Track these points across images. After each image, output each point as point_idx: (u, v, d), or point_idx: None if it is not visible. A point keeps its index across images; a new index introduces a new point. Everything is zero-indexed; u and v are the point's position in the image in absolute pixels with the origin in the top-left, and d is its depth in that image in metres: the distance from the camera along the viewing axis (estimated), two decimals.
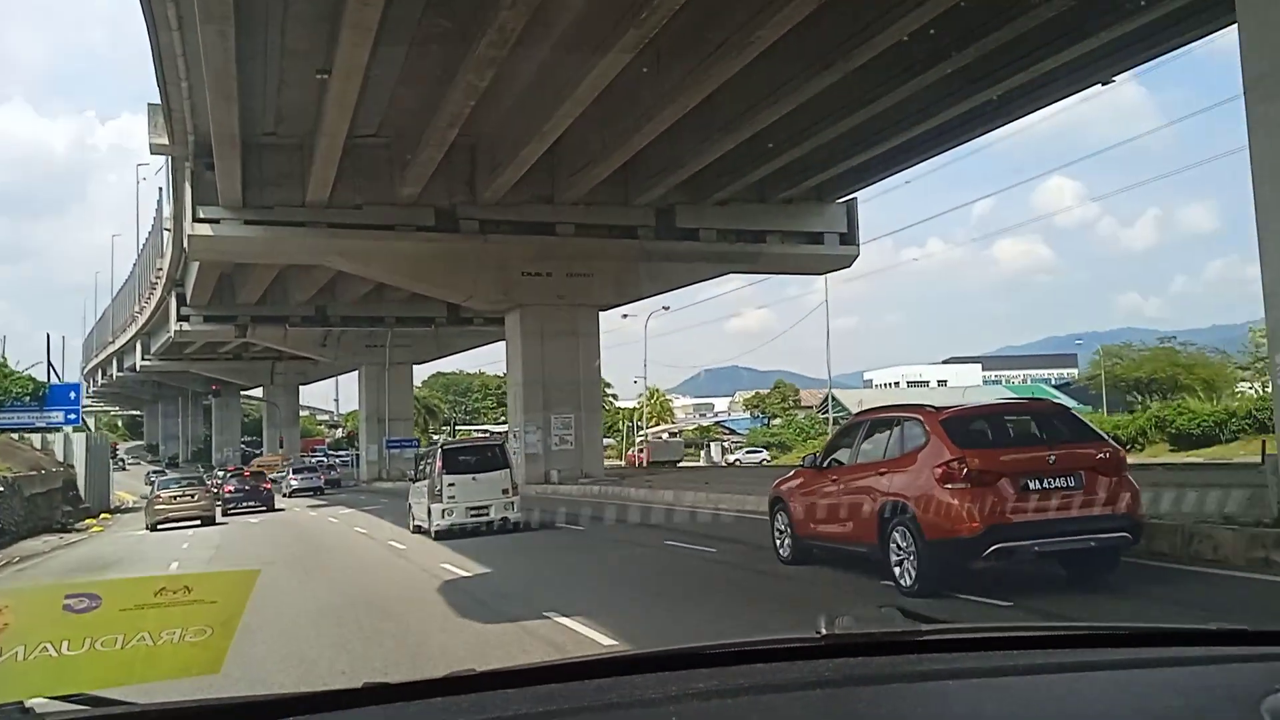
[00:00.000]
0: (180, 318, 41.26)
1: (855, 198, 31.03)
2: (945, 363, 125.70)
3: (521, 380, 28.16)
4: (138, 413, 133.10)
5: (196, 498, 26.19)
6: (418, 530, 18.38)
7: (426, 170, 24.74)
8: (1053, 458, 8.56)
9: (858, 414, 11.27)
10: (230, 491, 34.54)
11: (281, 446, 62.25)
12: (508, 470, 17.65)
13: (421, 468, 19.31)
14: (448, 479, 16.93)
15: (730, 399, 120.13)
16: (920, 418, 9.20)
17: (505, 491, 17.23)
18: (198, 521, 25.27)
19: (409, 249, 26.67)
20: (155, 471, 50.68)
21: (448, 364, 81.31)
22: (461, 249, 26.84)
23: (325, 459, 59.54)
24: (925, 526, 8.51)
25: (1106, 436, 9.72)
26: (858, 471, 9.82)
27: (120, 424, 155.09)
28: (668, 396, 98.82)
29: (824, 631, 1.42)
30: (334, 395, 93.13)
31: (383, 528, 20.60)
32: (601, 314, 31.44)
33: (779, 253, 30.53)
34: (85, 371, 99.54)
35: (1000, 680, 1.34)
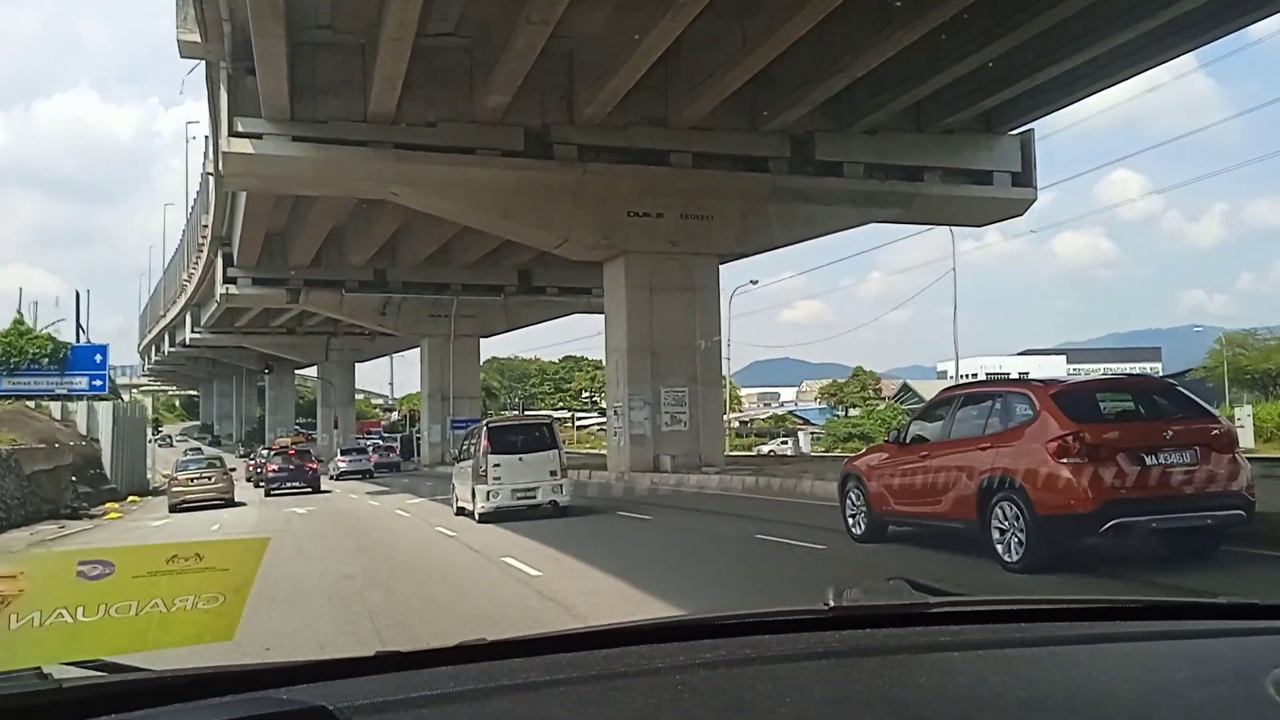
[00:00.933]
0: (227, 280, 36.59)
1: (1032, 129, 25.65)
2: (1022, 354, 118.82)
3: (626, 346, 22.82)
4: (194, 392, 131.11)
5: (213, 480, 25.19)
6: (460, 513, 17.30)
7: (514, 81, 19.54)
8: (1169, 433, 8.31)
9: (944, 391, 10.98)
10: (274, 471, 30.54)
11: (337, 427, 57.75)
12: (556, 450, 16.50)
13: (466, 447, 17.98)
14: (493, 459, 15.83)
15: (796, 388, 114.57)
16: (1028, 392, 9.03)
17: (554, 473, 16.15)
18: (221, 503, 24.52)
19: (491, 178, 21.55)
20: (192, 449, 46.41)
21: (511, 342, 76.62)
22: (556, 180, 21.95)
23: (381, 439, 55.06)
24: (1036, 501, 8.32)
25: (1216, 413, 9.54)
26: (952, 447, 9.51)
27: (177, 404, 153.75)
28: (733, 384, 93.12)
29: (831, 604, 1.41)
30: (388, 379, 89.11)
31: (439, 514, 18.33)
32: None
33: (940, 194, 25.00)
34: (140, 348, 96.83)
35: (1006, 652, 1.31)
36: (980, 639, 1.36)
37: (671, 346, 22.87)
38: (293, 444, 38.24)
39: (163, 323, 71.75)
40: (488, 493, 15.73)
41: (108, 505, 24.05)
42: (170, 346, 73.91)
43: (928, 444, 9.93)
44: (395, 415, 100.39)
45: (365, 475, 41.04)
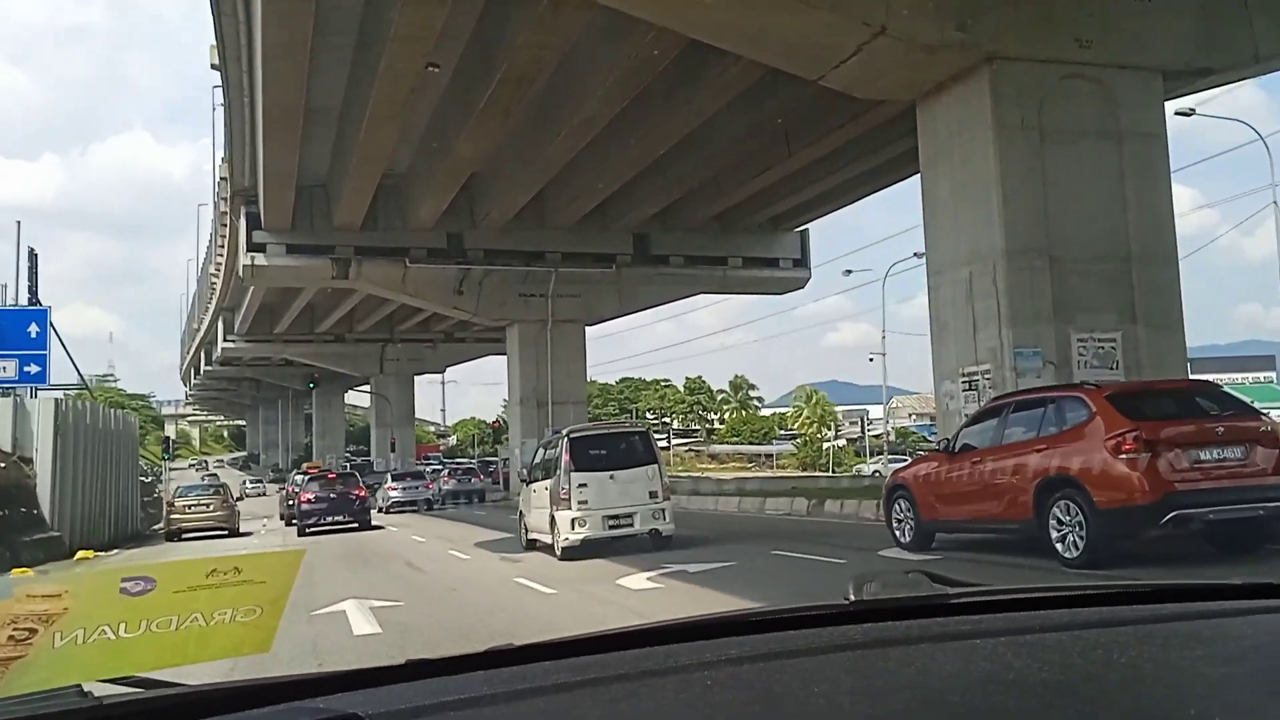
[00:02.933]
0: (253, 247, 26.49)
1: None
2: None
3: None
4: (242, 422, 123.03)
5: (213, 507, 23.36)
6: (532, 546, 14.14)
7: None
8: (1220, 429, 8.77)
9: (993, 400, 11.03)
10: (309, 501, 21.39)
11: (394, 450, 47.56)
12: (655, 465, 13.08)
13: (539, 464, 14.25)
14: (578, 478, 12.64)
15: (885, 405, 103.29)
16: (1083, 395, 9.34)
17: (654, 495, 12.82)
18: (223, 531, 22.75)
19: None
20: (209, 475, 37.13)
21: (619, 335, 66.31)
22: None
23: (441, 463, 44.80)
24: (1097, 497, 8.61)
25: (1261, 412, 10.05)
26: (1005, 451, 9.75)
27: (225, 434, 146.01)
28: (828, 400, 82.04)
29: (852, 598, 1.43)
30: (440, 405, 79.10)
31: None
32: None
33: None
34: (182, 373, 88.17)
35: (1027, 638, 1.31)
36: (1001, 626, 1.36)
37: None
38: (323, 468, 28.19)
39: (199, 336, 62.44)
40: (572, 521, 12.55)
41: (17, 573, 13.49)
42: (207, 365, 64.52)
43: (979, 450, 10.13)
44: (453, 440, 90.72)
45: (423, 507, 30.93)
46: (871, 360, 40.33)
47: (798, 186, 27.09)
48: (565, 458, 12.81)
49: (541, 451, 14.72)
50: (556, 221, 28.51)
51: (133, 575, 1.07)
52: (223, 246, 35.20)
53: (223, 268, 37.68)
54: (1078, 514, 8.75)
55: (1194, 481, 8.52)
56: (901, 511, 11.11)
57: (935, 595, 1.47)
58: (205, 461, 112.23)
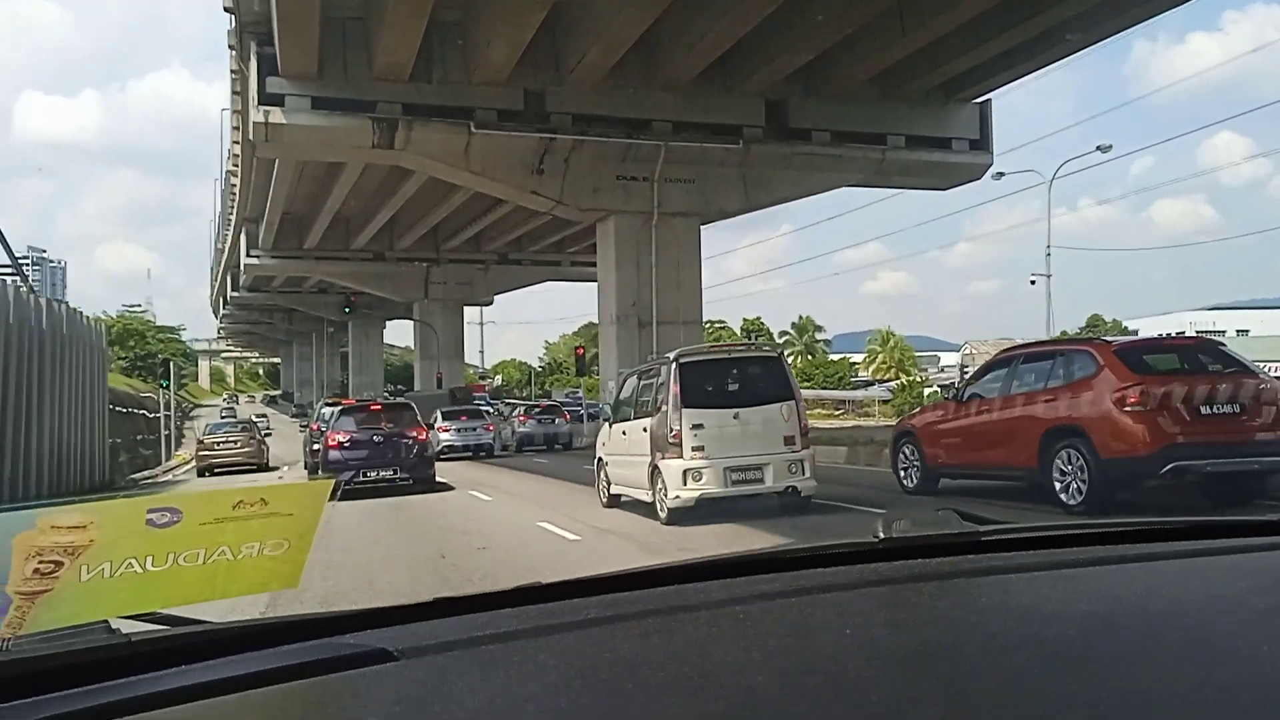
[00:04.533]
0: (268, 99, 19.30)
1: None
2: (1210, 309, 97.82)
3: None
4: (277, 360, 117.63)
5: (240, 444, 23.95)
6: (615, 503, 11.47)
7: None
8: (1220, 386, 9.03)
9: (1002, 352, 11.42)
10: (341, 446, 14.38)
11: (441, 388, 40.70)
12: (793, 402, 10.19)
13: (627, 400, 11.49)
14: (691, 416, 9.86)
15: (961, 351, 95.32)
16: (1091, 350, 9.66)
17: (790, 441, 10.00)
18: (252, 466, 22.65)
19: None
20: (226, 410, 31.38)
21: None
22: None
23: (488, 404, 38.05)
24: (1100, 446, 8.95)
25: (1259, 370, 10.12)
26: (1012, 402, 10.08)
27: (261, 371, 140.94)
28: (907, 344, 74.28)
29: (882, 535, 1.40)
30: (479, 345, 71.70)
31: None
32: None
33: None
34: (211, 300, 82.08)
35: (1064, 572, 1.29)
36: (1036, 562, 1.34)
37: None
38: (361, 399, 21.18)
39: (223, 259, 55.94)
40: (684, 473, 9.71)
41: None
42: (234, 290, 58.04)
43: (986, 399, 10.47)
44: (499, 380, 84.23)
45: (480, 453, 24.09)
46: (1034, 283, 32.64)
47: (980, 38, 19.62)
48: (674, 389, 10.02)
49: (634, 382, 11.65)
50: (667, 78, 21.07)
51: (159, 506, 1.02)
52: (237, 128, 28.15)
53: (241, 157, 30.66)
54: (1080, 462, 9.16)
55: (1193, 435, 8.86)
56: (908, 458, 11.54)
57: (966, 532, 1.43)
58: (235, 396, 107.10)
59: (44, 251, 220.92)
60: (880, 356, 70.76)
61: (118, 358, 59.86)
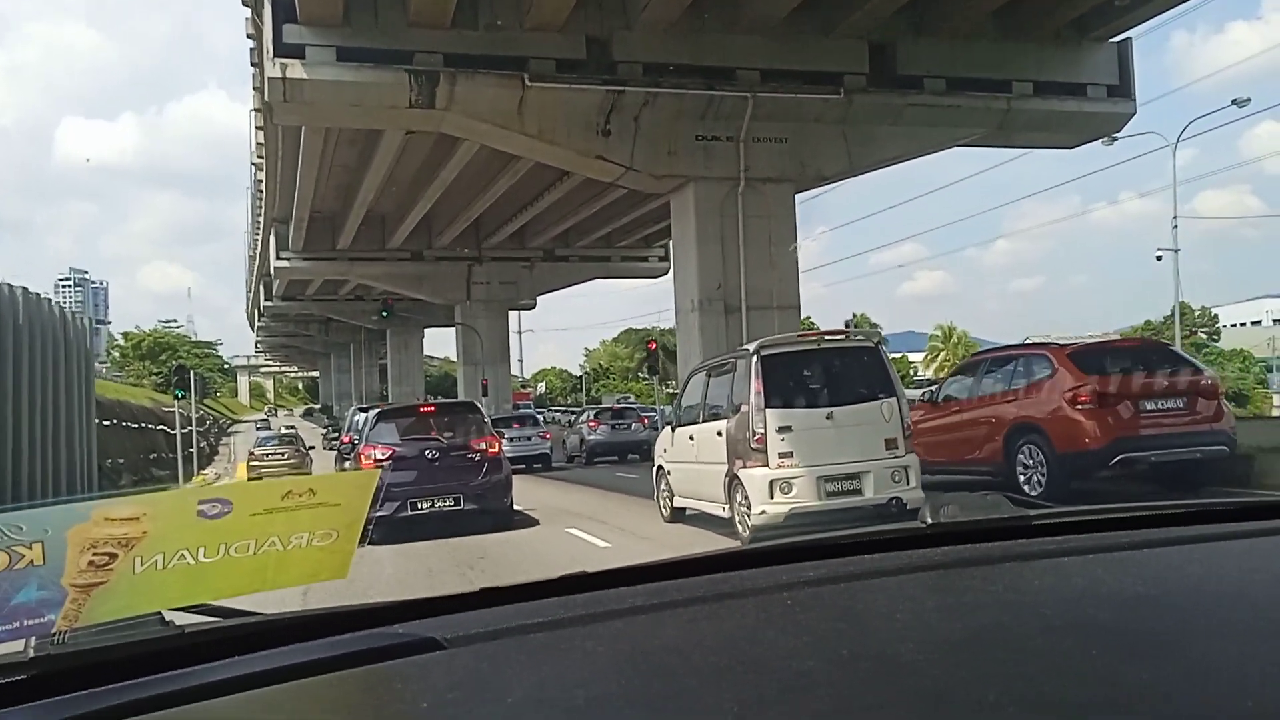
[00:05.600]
0: (285, 51, 16.04)
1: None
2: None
3: None
4: (316, 374, 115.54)
5: (287, 456, 26.43)
6: (678, 516, 10.48)
7: None
8: (1164, 384, 9.88)
9: (973, 355, 12.61)
10: (385, 465, 10.20)
11: (486, 395, 37.43)
12: (894, 399, 9.01)
13: (694, 402, 10.29)
14: (776, 417, 8.66)
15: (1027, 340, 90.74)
16: (1047, 354, 10.50)
17: (892, 445, 8.86)
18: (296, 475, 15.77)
19: None
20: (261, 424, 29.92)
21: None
22: None
23: (534, 410, 34.70)
24: (1056, 442, 9.74)
25: (1203, 366, 11.20)
26: (981, 403, 10.91)
27: (300, 386, 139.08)
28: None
29: (930, 521, 1.37)
30: (518, 354, 67.68)
31: None
32: None
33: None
34: (247, 313, 79.88)
35: (1117, 555, 1.25)
36: (1088, 545, 1.30)
37: None
38: (436, 403, 17.63)
39: (255, 266, 53.31)
40: (770, 483, 8.49)
41: None
42: (267, 300, 55.40)
43: (959, 401, 11.35)
44: (542, 387, 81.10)
45: (535, 465, 20.86)
46: (1160, 259, 28.74)
47: None
48: (755, 386, 8.69)
49: (702, 379, 10.30)
50: (754, 18, 17.59)
51: (209, 498, 1.02)
52: (259, 110, 25.08)
53: (265, 145, 27.63)
54: (1040, 457, 9.89)
55: (1140, 429, 9.59)
56: None
57: (1016, 516, 1.40)
58: (275, 410, 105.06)
59: (85, 272, 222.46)
60: (943, 354, 66.71)
61: (150, 373, 57.37)
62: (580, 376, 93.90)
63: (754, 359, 8.98)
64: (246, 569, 1.02)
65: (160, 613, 1.02)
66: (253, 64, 21.19)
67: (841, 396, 9.02)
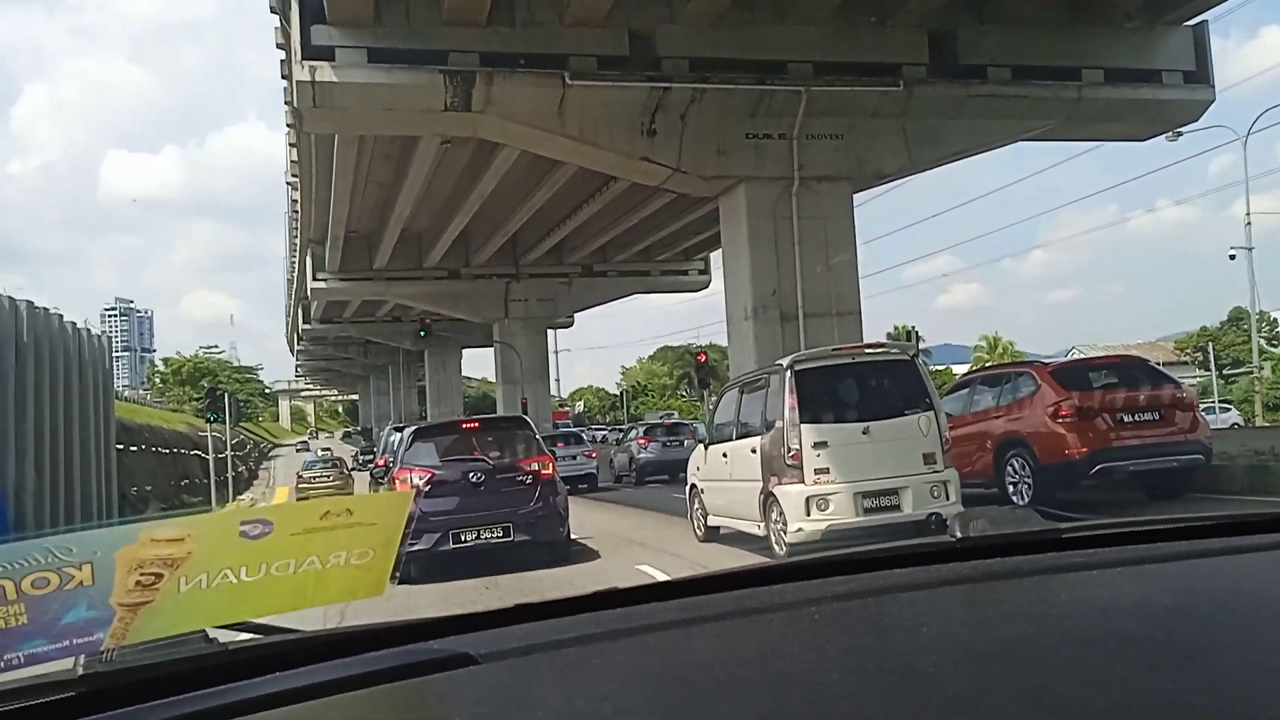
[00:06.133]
0: (314, 53, 15.16)
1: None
2: None
3: None
4: (355, 397, 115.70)
5: (332, 478, 28.18)
6: (712, 535, 10.35)
7: None
8: (1142, 398, 10.41)
9: (963, 376, 12.72)
10: (425, 493, 8.82)
11: (525, 414, 36.37)
12: (932, 413, 8.79)
13: (727, 419, 10.13)
14: (812, 433, 8.51)
15: (1070, 351, 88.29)
16: (1032, 371, 11.21)
17: (930, 460, 8.65)
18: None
19: None
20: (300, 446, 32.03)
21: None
22: None
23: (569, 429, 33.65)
24: (1040, 454, 10.26)
25: (1180, 382, 11.64)
26: (973, 419, 11.26)
27: (340, 409, 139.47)
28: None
29: (959, 535, 1.36)
30: (554, 373, 66.10)
31: None
32: None
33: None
34: (286, 337, 79.92)
35: (1147, 567, 1.25)
36: (1118, 558, 1.29)
37: None
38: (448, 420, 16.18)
39: (293, 290, 53.04)
40: (807, 500, 8.32)
41: None
42: (305, 323, 55.06)
43: (954, 417, 10.95)
44: (581, 406, 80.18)
45: (580, 485, 19.85)
46: (1233, 258, 27.12)
47: None
48: (789, 401, 8.53)
49: (735, 395, 10.21)
50: (805, 9, 16.58)
51: (251, 519, 1.04)
52: (292, 125, 24.38)
53: (299, 163, 26.98)
54: (1026, 468, 10.41)
55: (1118, 441, 10.09)
56: None
57: (1045, 530, 1.40)
58: (316, 433, 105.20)
59: (131, 302, 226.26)
60: (989, 364, 64.91)
61: (190, 398, 57.24)
62: (618, 395, 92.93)
63: (787, 374, 8.79)
64: (287, 587, 1.03)
65: (204, 630, 1.04)
66: (283, 76, 20.44)
67: (878, 411, 8.85)
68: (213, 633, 1.06)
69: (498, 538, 8.97)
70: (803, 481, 8.52)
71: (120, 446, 16.59)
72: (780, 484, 8.70)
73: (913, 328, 75.24)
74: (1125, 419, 10.35)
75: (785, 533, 8.55)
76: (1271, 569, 1.22)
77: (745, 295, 17.41)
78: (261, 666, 1.04)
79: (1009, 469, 10.56)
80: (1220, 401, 41.18)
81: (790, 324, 17.22)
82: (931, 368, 72.30)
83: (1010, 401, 11.09)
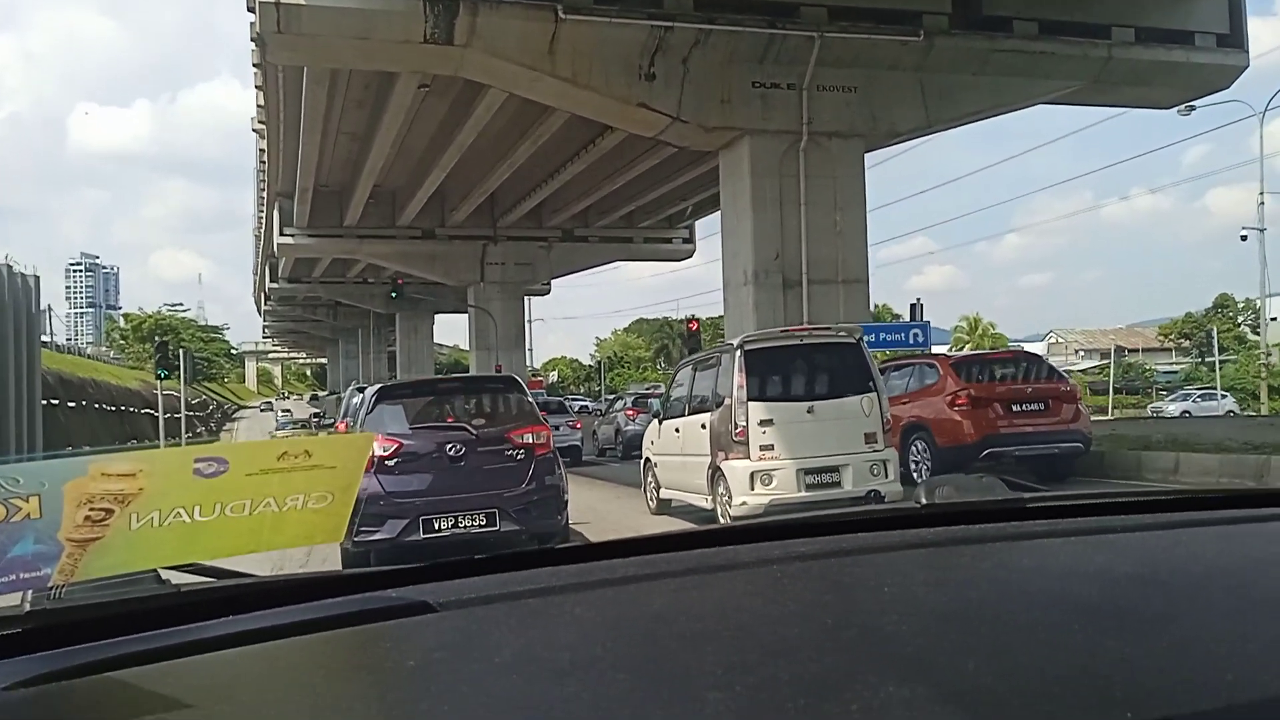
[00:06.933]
0: None
1: None
2: None
3: None
4: (324, 360, 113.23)
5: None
6: (664, 508, 10.69)
7: None
8: (1029, 389, 11.46)
9: (882, 364, 12.71)
10: (381, 466, 7.01)
11: None
12: (874, 395, 9.12)
13: (680, 394, 10.48)
14: (758, 410, 8.87)
15: (1045, 341, 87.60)
16: (935, 363, 12.37)
17: (871, 439, 9.03)
18: None
19: None
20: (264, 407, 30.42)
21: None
22: None
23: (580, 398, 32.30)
24: (938, 437, 11.36)
25: (1066, 376, 13.08)
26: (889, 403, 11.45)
27: (308, 373, 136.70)
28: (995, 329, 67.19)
29: (924, 501, 1.38)
30: (528, 343, 63.61)
31: None
32: None
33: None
34: (254, 295, 77.50)
35: (1108, 536, 1.26)
36: (1079, 528, 1.29)
37: None
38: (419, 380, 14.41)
39: (260, 246, 50.95)
40: (751, 475, 8.66)
41: None
42: (272, 281, 53.05)
43: None
44: (554, 376, 78.60)
45: (564, 458, 18.20)
46: (1245, 239, 26.11)
47: None
48: (738, 379, 8.84)
49: (689, 373, 10.47)
50: None
51: (205, 455, 1.00)
52: (258, 66, 22.60)
53: (266, 107, 25.16)
54: (926, 450, 11.45)
55: (1006, 428, 11.16)
56: None
57: (1009, 499, 1.41)
58: (285, 395, 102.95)
59: (96, 258, 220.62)
60: (969, 346, 64.02)
61: (150, 356, 55.08)
62: (593, 366, 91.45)
63: (738, 353, 9.08)
64: (242, 529, 1.00)
65: (156, 571, 1.02)
66: (249, 9, 18.66)
67: (822, 391, 9.13)
68: (165, 573, 1.02)
69: (480, 526, 7.18)
70: (748, 457, 8.81)
71: (55, 401, 14.91)
72: (727, 459, 8.98)
73: (918, 300, 74.43)
74: (1015, 408, 11.34)
75: (730, 505, 8.78)
76: (1225, 541, 1.22)
77: (746, 259, 16.01)
78: (214, 610, 1.02)
79: (913, 450, 11.31)
80: (1207, 390, 40.45)
81: (793, 290, 15.88)
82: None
83: (917, 389, 11.99)
